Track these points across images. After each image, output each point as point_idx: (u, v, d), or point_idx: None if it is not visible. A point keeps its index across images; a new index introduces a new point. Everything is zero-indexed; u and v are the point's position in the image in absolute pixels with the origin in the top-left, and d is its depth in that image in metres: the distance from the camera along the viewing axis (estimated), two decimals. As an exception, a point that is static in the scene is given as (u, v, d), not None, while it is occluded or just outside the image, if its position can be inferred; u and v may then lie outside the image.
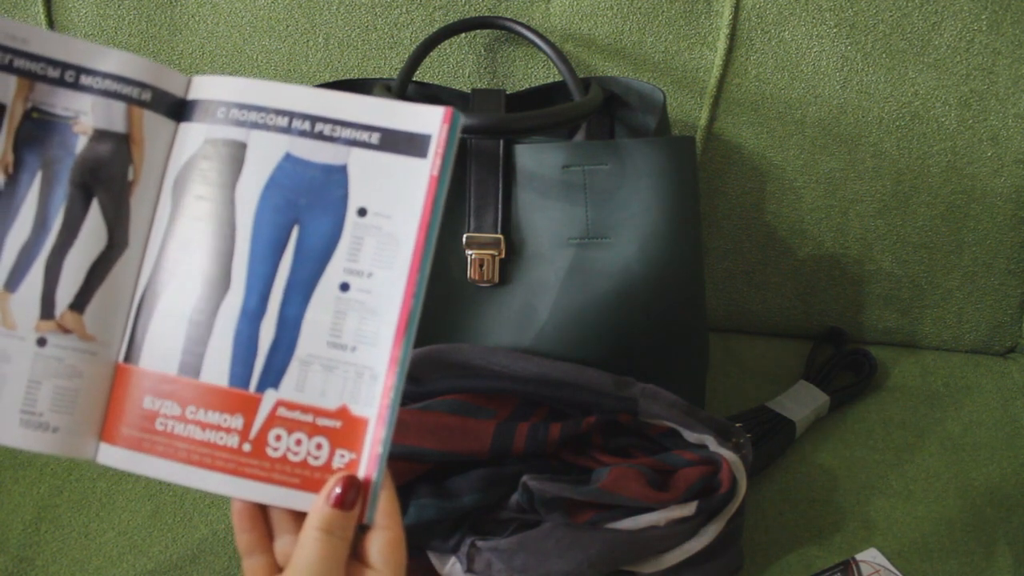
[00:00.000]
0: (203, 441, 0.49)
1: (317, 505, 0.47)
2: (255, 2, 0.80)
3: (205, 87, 0.51)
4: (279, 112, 0.50)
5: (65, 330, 0.50)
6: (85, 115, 0.50)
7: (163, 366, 0.50)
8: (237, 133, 0.50)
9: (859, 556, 0.67)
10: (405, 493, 0.61)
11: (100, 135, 0.50)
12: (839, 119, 0.81)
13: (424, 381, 0.64)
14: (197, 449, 0.49)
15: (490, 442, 0.61)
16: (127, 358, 0.51)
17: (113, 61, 0.50)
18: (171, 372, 0.50)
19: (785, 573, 0.68)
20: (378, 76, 0.82)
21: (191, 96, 0.51)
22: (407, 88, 0.77)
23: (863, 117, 0.81)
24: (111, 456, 0.50)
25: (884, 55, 0.79)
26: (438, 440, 0.60)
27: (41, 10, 0.81)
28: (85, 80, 0.50)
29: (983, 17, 0.78)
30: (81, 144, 0.50)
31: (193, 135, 0.51)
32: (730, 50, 0.80)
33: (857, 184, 0.83)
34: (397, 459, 0.60)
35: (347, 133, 0.49)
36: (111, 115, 0.50)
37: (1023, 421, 0.82)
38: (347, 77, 0.82)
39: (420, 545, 0.61)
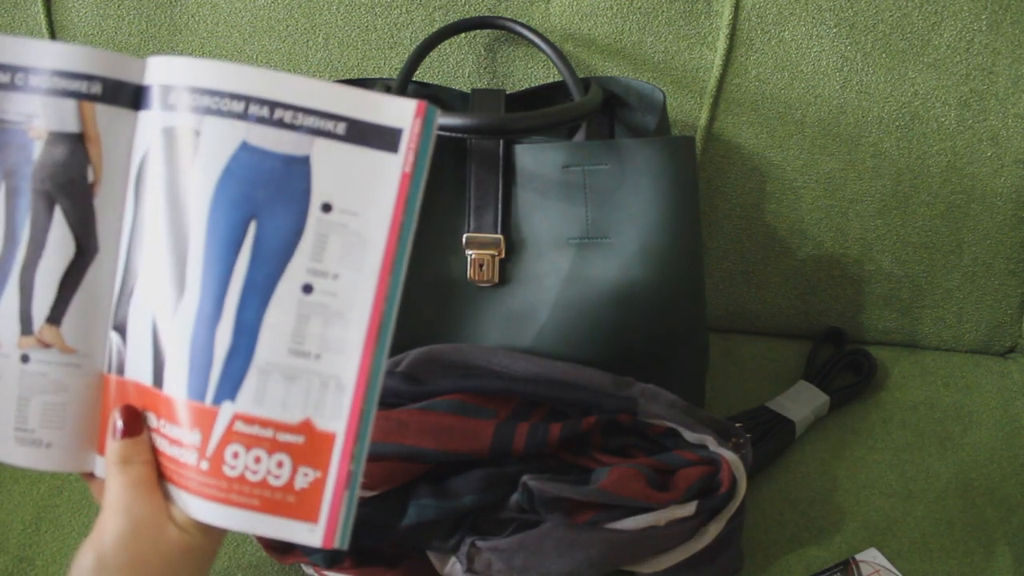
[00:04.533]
0: (171, 456, 0.47)
1: (109, 443, 0.47)
2: (255, 2, 0.80)
3: (157, 70, 0.47)
4: (234, 96, 0.45)
5: (45, 345, 0.48)
6: (38, 118, 0.47)
7: (141, 376, 0.47)
8: (188, 120, 0.46)
9: (859, 556, 0.67)
10: (405, 493, 0.61)
11: (55, 138, 0.47)
12: (839, 119, 0.81)
13: (424, 381, 0.64)
14: (168, 464, 0.47)
15: (490, 442, 0.61)
16: (118, 369, 0.49)
17: (55, 56, 0.47)
18: (147, 383, 0.47)
19: (785, 573, 0.68)
20: (378, 76, 0.82)
21: (146, 81, 0.47)
22: (407, 88, 0.77)
23: (863, 117, 0.81)
24: (103, 468, 0.49)
25: (884, 55, 0.79)
26: (438, 440, 0.60)
27: (41, 10, 0.81)
28: (33, 81, 0.47)
29: (983, 17, 0.78)
30: (38, 149, 0.47)
31: (148, 124, 0.47)
32: (730, 50, 0.80)
33: (857, 184, 0.83)
34: (397, 459, 0.60)
35: (310, 121, 0.45)
36: (62, 114, 0.47)
37: (1023, 421, 0.82)
38: (347, 77, 0.82)
39: (420, 545, 0.61)
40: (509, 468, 0.61)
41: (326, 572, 0.62)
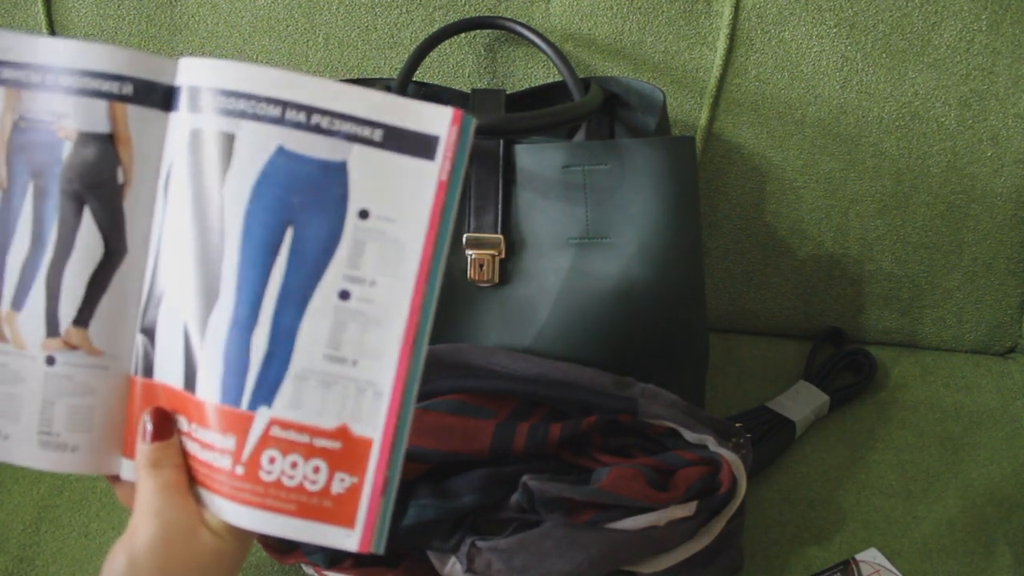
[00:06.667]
0: (204, 461, 0.46)
1: (138, 446, 0.47)
2: (255, 2, 0.80)
3: (191, 72, 0.46)
4: (271, 101, 0.45)
5: (72, 347, 0.48)
6: (68, 118, 0.47)
7: (171, 379, 0.47)
8: (225, 124, 0.45)
9: (859, 556, 0.67)
10: (405, 493, 0.61)
11: (85, 138, 0.47)
12: (839, 119, 0.81)
13: (424, 381, 0.64)
14: (200, 468, 0.47)
15: (490, 442, 0.61)
16: (144, 371, 0.48)
17: (86, 56, 0.46)
18: (178, 386, 0.47)
19: (785, 573, 0.68)
20: (378, 76, 0.82)
21: (178, 82, 0.47)
22: (407, 88, 0.77)
23: (863, 117, 0.81)
24: (132, 472, 0.49)
25: (884, 55, 0.79)
26: (438, 440, 0.60)
27: (41, 10, 0.81)
28: (65, 81, 0.47)
29: (983, 17, 0.78)
30: (67, 150, 0.47)
31: (179, 126, 0.47)
32: (730, 50, 0.80)
33: (857, 184, 0.83)
34: (397, 459, 0.60)
35: (347, 127, 0.45)
36: (93, 115, 0.47)
37: (1023, 421, 0.82)
38: (347, 77, 0.82)
39: (420, 545, 0.61)
40: (509, 468, 0.61)
41: (326, 572, 0.62)
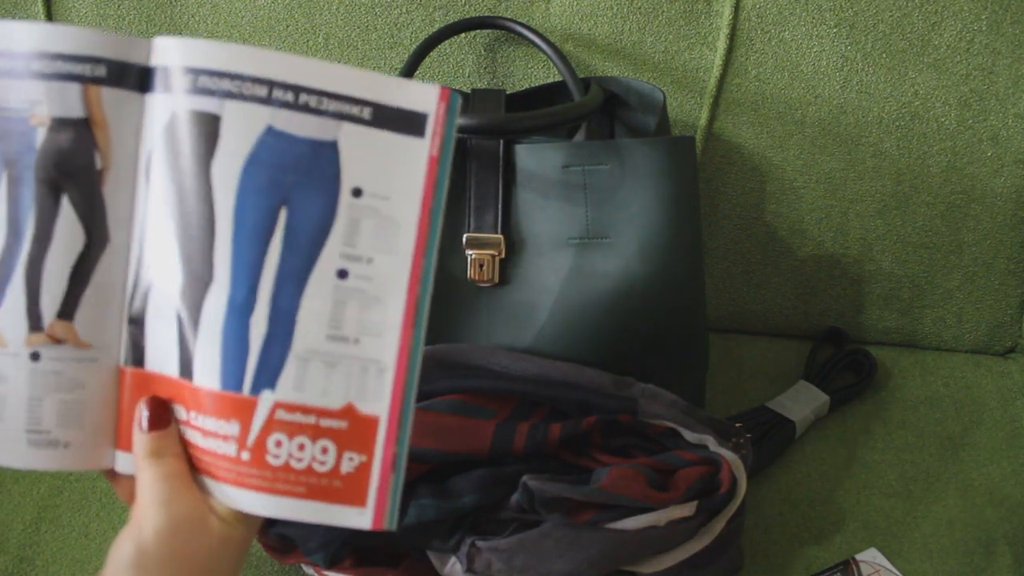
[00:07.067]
0: (205, 449, 0.46)
1: (136, 436, 0.46)
2: (255, 2, 0.80)
3: (167, 52, 0.45)
4: (257, 80, 0.44)
5: (57, 341, 0.46)
6: (40, 104, 0.45)
7: (166, 368, 0.46)
8: (208, 104, 0.44)
9: (859, 556, 0.67)
10: (405, 493, 0.61)
11: (59, 124, 0.45)
12: (839, 119, 0.81)
13: (424, 381, 0.64)
14: (202, 457, 0.46)
15: (490, 442, 0.61)
16: (134, 361, 0.47)
17: (58, 39, 0.45)
18: (173, 374, 0.46)
19: (785, 573, 0.68)
20: (378, 76, 0.82)
21: (153, 62, 0.45)
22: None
23: (863, 117, 0.81)
24: (127, 464, 0.48)
25: (884, 55, 0.79)
26: (438, 440, 0.60)
27: (41, 10, 0.81)
28: (35, 66, 0.45)
29: (983, 17, 0.78)
30: (40, 137, 0.45)
31: (158, 108, 0.45)
32: (730, 50, 0.80)
33: (857, 184, 0.83)
34: (397, 459, 0.60)
35: (335, 106, 0.44)
36: (66, 99, 0.45)
37: (1023, 421, 0.82)
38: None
39: (420, 545, 0.61)
40: (509, 468, 0.61)
41: (326, 572, 0.62)
